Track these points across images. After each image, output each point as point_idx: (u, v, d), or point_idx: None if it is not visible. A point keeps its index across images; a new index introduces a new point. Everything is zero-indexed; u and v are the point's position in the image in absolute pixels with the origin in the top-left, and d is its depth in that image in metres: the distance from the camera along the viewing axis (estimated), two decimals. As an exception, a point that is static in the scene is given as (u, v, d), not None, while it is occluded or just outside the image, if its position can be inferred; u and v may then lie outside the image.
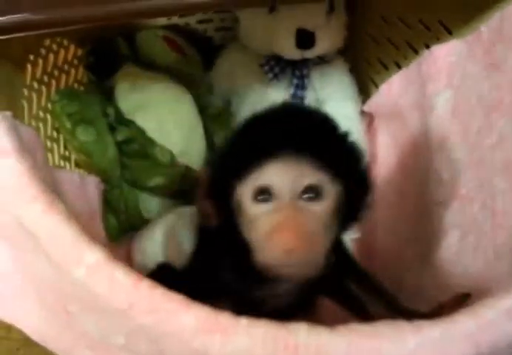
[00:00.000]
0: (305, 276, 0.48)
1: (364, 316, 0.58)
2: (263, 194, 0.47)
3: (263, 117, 0.51)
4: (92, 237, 0.68)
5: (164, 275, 0.65)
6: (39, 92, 0.69)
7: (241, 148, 0.50)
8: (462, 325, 0.33)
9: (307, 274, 0.47)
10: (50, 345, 0.46)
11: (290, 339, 0.32)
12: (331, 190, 0.47)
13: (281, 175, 0.46)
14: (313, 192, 0.47)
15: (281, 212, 0.46)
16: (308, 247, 0.44)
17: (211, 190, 0.52)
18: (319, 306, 0.76)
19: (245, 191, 0.48)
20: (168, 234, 0.71)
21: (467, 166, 0.61)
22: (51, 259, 0.37)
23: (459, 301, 0.49)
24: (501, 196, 0.54)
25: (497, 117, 0.58)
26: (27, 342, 0.46)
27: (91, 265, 0.35)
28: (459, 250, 0.58)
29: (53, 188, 0.51)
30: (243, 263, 0.49)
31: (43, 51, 0.72)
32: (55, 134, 0.73)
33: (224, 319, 0.32)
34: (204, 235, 0.60)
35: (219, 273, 0.55)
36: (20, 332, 0.46)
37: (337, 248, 0.56)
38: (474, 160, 0.60)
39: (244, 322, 0.32)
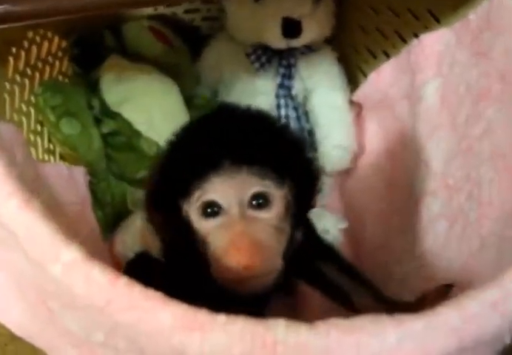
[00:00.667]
0: (263, 287, 0.47)
1: (348, 306, 0.57)
2: (211, 208, 0.46)
3: (198, 128, 0.51)
4: (85, 227, 0.69)
5: (142, 264, 0.65)
6: (22, 86, 0.68)
7: (179, 165, 0.49)
8: (446, 318, 0.32)
9: (265, 285, 0.46)
10: (34, 341, 0.46)
11: (268, 336, 0.31)
12: (279, 193, 0.47)
13: (225, 188, 0.46)
14: (260, 199, 0.46)
15: (232, 228, 0.45)
16: (264, 260, 0.44)
17: (157, 205, 0.51)
18: (303, 297, 0.77)
19: (191, 207, 0.47)
20: (146, 224, 0.69)
21: (455, 156, 0.60)
22: (28, 257, 0.36)
23: (442, 292, 0.49)
24: (487, 186, 0.54)
25: (485, 106, 0.57)
26: (15, 337, 0.46)
27: (67, 262, 0.34)
28: (445, 241, 0.58)
29: (34, 185, 0.51)
30: (202, 273, 0.48)
31: (26, 43, 0.70)
32: (38, 127, 0.72)
33: (202, 317, 0.31)
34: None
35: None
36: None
37: (307, 232, 0.56)
38: (462, 150, 0.59)
39: (222, 319, 0.31)
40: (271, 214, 0.47)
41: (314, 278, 0.61)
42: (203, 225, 0.47)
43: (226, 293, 0.49)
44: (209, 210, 0.47)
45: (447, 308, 0.33)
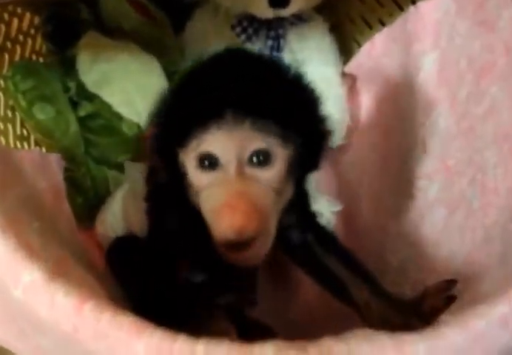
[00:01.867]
0: (258, 260, 0.45)
1: (345, 298, 0.54)
2: (208, 161, 0.44)
3: (204, 72, 0.47)
4: (61, 217, 0.66)
5: (124, 247, 0.63)
6: (-11, 69, 0.64)
7: (180, 111, 0.46)
8: (451, 340, 0.29)
9: (260, 258, 0.45)
10: (12, 349, 0.43)
11: (255, 366, 0.28)
12: (282, 152, 0.44)
13: (225, 141, 0.43)
14: (261, 157, 0.44)
15: (228, 186, 0.43)
16: (259, 224, 0.41)
17: (157, 150, 0.50)
18: (297, 286, 0.75)
19: (188, 158, 0.45)
20: (127, 201, 0.67)
21: (454, 136, 0.57)
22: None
23: (445, 288, 0.46)
24: (492, 171, 0.50)
25: (489, 83, 0.53)
26: None
27: (28, 285, 0.31)
28: (444, 229, 0.55)
29: (6, 175, 0.47)
30: (196, 227, 0.46)
31: (-8, 22, 0.65)
32: (9, 113, 0.68)
33: (178, 347, 0.28)
34: (157, 193, 0.57)
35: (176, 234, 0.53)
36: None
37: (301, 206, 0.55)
38: (463, 130, 0.56)
39: (201, 349, 0.28)
40: (271, 174, 0.44)
41: (308, 262, 0.58)
42: (198, 178, 0.45)
43: (217, 261, 0.47)
44: (205, 162, 0.44)
45: (451, 327, 0.30)
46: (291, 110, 0.45)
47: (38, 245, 0.36)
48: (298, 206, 0.55)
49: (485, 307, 0.31)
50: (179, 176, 0.47)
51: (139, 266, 0.55)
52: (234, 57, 0.49)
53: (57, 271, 0.33)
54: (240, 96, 0.43)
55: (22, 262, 0.32)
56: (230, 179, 0.43)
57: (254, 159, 0.44)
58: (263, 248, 0.44)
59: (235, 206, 0.41)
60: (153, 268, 0.53)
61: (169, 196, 0.53)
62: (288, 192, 0.47)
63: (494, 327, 0.30)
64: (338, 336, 0.32)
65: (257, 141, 0.43)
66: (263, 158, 0.44)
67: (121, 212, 0.68)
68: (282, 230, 0.51)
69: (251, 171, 0.44)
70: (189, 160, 0.45)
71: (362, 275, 0.53)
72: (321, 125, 0.49)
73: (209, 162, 0.44)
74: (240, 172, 0.43)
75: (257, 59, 0.50)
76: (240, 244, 0.42)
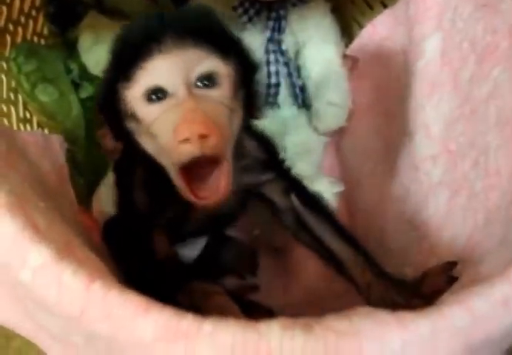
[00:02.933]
0: (220, 196, 0.45)
1: (344, 274, 0.55)
2: (156, 93, 0.44)
3: (140, 19, 0.49)
4: (65, 199, 0.66)
5: (116, 227, 0.62)
6: (-9, 51, 0.63)
7: (120, 48, 0.47)
8: (453, 319, 0.30)
9: (222, 194, 0.45)
10: (17, 330, 0.44)
11: (261, 343, 0.28)
12: (225, 71, 0.46)
13: (169, 68, 0.44)
14: (207, 79, 0.45)
15: (181, 106, 0.43)
16: (216, 132, 0.42)
17: (104, 108, 0.50)
18: (296, 260, 0.76)
19: (135, 94, 0.45)
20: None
21: (457, 119, 0.56)
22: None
23: (445, 270, 0.47)
24: (494, 153, 0.50)
25: (491, 66, 0.53)
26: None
27: (36, 267, 0.31)
28: (448, 211, 0.55)
29: (11, 157, 0.47)
30: (160, 184, 0.48)
31: (-6, 4, 0.65)
32: (12, 96, 0.67)
33: (186, 325, 0.29)
34: (120, 174, 0.59)
35: (146, 201, 0.54)
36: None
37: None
38: (466, 113, 0.55)
39: (208, 327, 0.28)
40: (220, 93, 0.45)
41: (300, 231, 0.59)
42: (149, 112, 0.45)
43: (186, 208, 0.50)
44: (153, 96, 0.44)
45: (454, 307, 0.30)
46: (223, 35, 0.48)
47: (44, 225, 0.36)
48: (269, 162, 0.58)
49: (486, 287, 0.31)
50: (128, 132, 0.48)
51: (125, 244, 0.56)
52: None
53: (63, 251, 0.33)
54: (177, 21, 0.45)
55: (30, 241, 0.32)
56: (181, 101, 0.44)
57: (201, 83, 0.45)
58: (222, 178, 0.45)
59: (192, 119, 0.42)
60: (133, 244, 0.54)
61: (128, 165, 0.55)
62: (239, 114, 0.48)
63: (495, 307, 0.30)
64: (341, 314, 0.32)
65: (201, 63, 0.45)
66: (209, 81, 0.45)
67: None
68: (259, 187, 0.57)
69: (199, 92, 0.45)
70: (135, 97, 0.45)
71: (361, 253, 0.53)
72: (246, 53, 0.51)
73: (157, 94, 0.44)
74: (190, 94, 0.44)
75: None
76: (202, 163, 0.43)
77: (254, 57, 0.52)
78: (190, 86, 0.44)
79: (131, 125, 0.48)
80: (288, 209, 0.58)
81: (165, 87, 0.44)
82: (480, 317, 0.30)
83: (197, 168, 0.45)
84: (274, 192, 0.58)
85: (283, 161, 0.60)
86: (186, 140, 0.41)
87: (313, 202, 0.59)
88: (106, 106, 0.49)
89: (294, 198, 0.58)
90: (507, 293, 0.30)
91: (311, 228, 0.57)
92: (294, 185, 0.60)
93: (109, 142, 0.52)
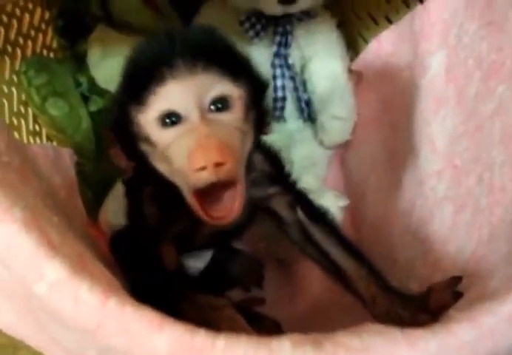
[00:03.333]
0: (233, 216, 0.46)
1: (350, 289, 0.55)
2: (170, 118, 0.45)
3: (150, 41, 0.49)
4: (74, 212, 0.67)
5: (123, 239, 0.62)
6: (2, 65, 0.64)
7: (132, 72, 0.48)
8: (460, 336, 0.30)
9: (235, 214, 0.46)
10: (28, 342, 0.44)
11: (273, 360, 0.29)
12: (237, 94, 0.47)
13: (183, 94, 0.44)
14: (221, 103, 0.46)
15: (195, 132, 0.44)
16: (233, 159, 0.43)
17: (117, 130, 0.50)
18: (302, 273, 0.76)
19: (149, 118, 0.46)
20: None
21: (462, 135, 0.57)
22: (11, 271, 0.33)
23: (451, 285, 0.47)
24: (499, 169, 0.51)
25: (496, 83, 0.54)
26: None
27: (52, 281, 0.32)
28: (452, 226, 0.55)
29: (23, 170, 0.47)
30: (171, 198, 0.49)
31: (4, 18, 0.66)
32: (22, 109, 0.68)
33: (200, 342, 0.29)
34: (131, 189, 0.59)
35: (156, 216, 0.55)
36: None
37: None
38: (470, 129, 0.56)
39: (221, 343, 0.29)
40: (233, 117, 0.46)
41: (306, 245, 0.59)
42: (162, 137, 0.46)
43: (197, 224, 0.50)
44: (167, 120, 0.45)
45: (461, 324, 0.31)
46: (235, 56, 0.49)
47: (58, 240, 0.37)
48: (276, 176, 0.59)
49: (494, 304, 0.32)
50: (139, 141, 0.48)
51: (133, 256, 0.56)
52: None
53: (78, 266, 0.34)
54: (187, 45, 0.46)
55: (45, 257, 0.32)
56: (195, 126, 0.44)
57: (214, 106, 0.46)
58: (236, 199, 0.46)
59: (207, 146, 0.42)
60: (141, 256, 0.54)
61: (139, 180, 0.55)
62: (250, 135, 0.49)
63: (503, 324, 0.31)
64: (351, 330, 0.33)
65: (214, 87, 0.45)
66: (221, 104, 0.46)
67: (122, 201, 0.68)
68: (265, 201, 0.58)
69: (213, 116, 0.45)
70: (149, 121, 0.46)
71: (366, 266, 0.54)
72: (257, 74, 0.52)
73: (171, 119, 0.45)
74: (204, 118, 0.44)
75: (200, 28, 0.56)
76: (216, 187, 0.44)
77: (263, 76, 0.53)
78: (203, 111, 0.45)
79: (144, 147, 0.48)
80: (294, 223, 0.59)
81: (179, 112, 0.45)
82: (488, 334, 0.30)
83: (211, 191, 0.45)
84: (281, 206, 0.59)
85: (289, 174, 0.61)
86: (202, 168, 0.42)
87: (319, 215, 0.59)
88: (119, 128, 0.50)
89: (299, 212, 0.59)
90: (514, 310, 0.31)
91: (317, 241, 0.57)
92: (300, 198, 0.60)
93: (121, 161, 0.52)
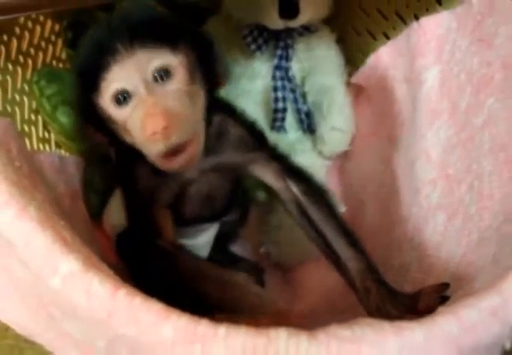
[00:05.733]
0: (194, 156, 0.52)
1: (345, 278, 0.57)
2: (121, 96, 0.50)
3: (92, 32, 0.54)
4: (78, 219, 0.69)
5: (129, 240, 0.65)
6: (14, 74, 0.67)
7: (82, 65, 0.53)
8: (445, 327, 0.33)
9: (195, 154, 0.51)
10: (38, 340, 0.46)
11: (270, 347, 0.31)
12: (178, 63, 0.51)
13: (127, 73, 0.49)
14: (163, 73, 0.50)
15: (143, 103, 0.48)
16: (180, 122, 0.48)
17: (87, 116, 0.55)
18: (301, 273, 0.79)
19: (106, 101, 0.51)
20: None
21: (455, 146, 0.59)
22: (27, 266, 0.36)
23: (439, 290, 0.49)
24: (488, 178, 0.53)
25: (486, 96, 0.56)
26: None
27: (66, 275, 0.34)
28: (444, 232, 0.58)
29: (32, 177, 0.50)
30: (147, 168, 0.55)
31: (17, 29, 0.69)
32: (32, 116, 0.71)
33: (203, 329, 0.32)
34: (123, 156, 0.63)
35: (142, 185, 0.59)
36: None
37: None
38: (463, 140, 0.59)
39: (222, 331, 0.32)
40: (177, 82, 0.50)
41: (308, 227, 0.61)
42: (120, 114, 0.51)
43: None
44: (120, 98, 0.50)
45: (446, 316, 0.33)
46: (166, 24, 0.53)
47: (70, 238, 0.39)
48: (253, 141, 0.62)
49: (477, 299, 0.34)
50: (105, 122, 0.53)
51: (138, 254, 0.59)
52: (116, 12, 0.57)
53: (89, 262, 0.36)
54: (123, 28, 0.50)
55: (60, 252, 0.35)
56: (143, 99, 0.49)
57: (157, 77, 0.50)
58: (194, 151, 0.51)
59: (153, 114, 0.47)
60: (146, 254, 0.57)
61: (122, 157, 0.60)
62: (201, 93, 0.53)
63: (485, 317, 0.33)
64: (343, 324, 0.35)
65: (153, 59, 0.49)
66: (164, 74, 0.50)
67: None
68: (247, 167, 0.61)
69: (158, 87, 0.50)
70: (105, 103, 0.51)
71: (365, 260, 0.56)
72: (200, 33, 0.57)
73: (122, 96, 0.50)
74: (150, 91, 0.49)
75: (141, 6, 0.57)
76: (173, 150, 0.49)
77: (205, 34, 0.58)
78: (148, 84, 0.49)
79: (111, 126, 0.53)
80: (290, 199, 0.61)
81: (127, 89, 0.49)
82: (470, 326, 0.33)
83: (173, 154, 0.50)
84: (267, 175, 0.61)
85: (273, 146, 0.64)
86: (154, 135, 0.47)
87: (315, 192, 0.61)
88: (87, 113, 0.54)
89: (293, 186, 0.61)
90: (496, 304, 0.33)
91: (315, 221, 0.59)
92: (291, 170, 0.62)
93: (97, 138, 0.57)
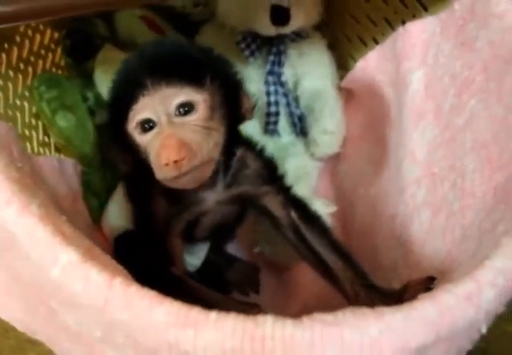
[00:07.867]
0: (200, 180, 0.55)
1: (335, 286, 0.60)
2: (145, 124, 0.55)
3: (124, 66, 0.59)
4: (79, 220, 0.71)
5: (127, 243, 0.69)
6: (15, 80, 0.69)
7: (114, 92, 0.59)
8: (423, 311, 0.35)
9: (201, 178, 0.55)
10: (37, 336, 0.48)
11: (257, 331, 0.33)
12: (201, 99, 0.55)
13: (153, 104, 0.54)
14: (185, 108, 0.54)
15: (161, 134, 0.53)
16: (192, 154, 0.51)
17: (113, 138, 0.61)
18: (296, 276, 0.81)
19: (132, 127, 0.56)
20: None
21: (439, 145, 0.62)
22: (31, 258, 0.38)
23: (425, 282, 0.51)
24: (470, 176, 0.55)
25: (468, 97, 0.58)
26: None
27: (65, 265, 0.36)
28: (429, 229, 0.60)
29: (33, 179, 0.52)
30: (161, 191, 0.60)
31: (17, 37, 0.71)
32: (33, 121, 0.73)
33: (194, 314, 0.34)
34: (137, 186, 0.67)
35: (155, 209, 0.63)
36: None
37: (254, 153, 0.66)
38: (446, 139, 0.61)
39: (213, 316, 0.33)
40: (196, 117, 0.54)
41: (300, 245, 0.64)
42: (143, 140, 0.56)
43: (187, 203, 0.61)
44: (145, 126, 0.55)
45: (424, 301, 0.35)
46: (195, 63, 0.57)
47: (70, 233, 0.41)
48: (269, 176, 0.65)
49: (453, 285, 0.36)
50: (130, 146, 0.58)
51: (137, 259, 0.60)
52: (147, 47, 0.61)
53: (88, 254, 0.38)
54: (153, 65, 0.55)
55: (60, 244, 0.37)
56: (163, 129, 0.54)
57: (180, 110, 0.54)
58: (202, 175, 0.55)
59: (168, 145, 0.51)
60: (146, 258, 0.60)
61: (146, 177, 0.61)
62: (220, 129, 0.57)
63: (460, 301, 0.35)
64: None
65: (177, 95, 0.54)
66: (186, 108, 0.54)
67: (124, 207, 0.73)
68: (259, 198, 0.64)
69: (179, 120, 0.54)
70: (133, 130, 0.56)
71: (352, 266, 0.59)
72: (228, 70, 0.62)
73: (147, 125, 0.55)
74: (170, 122, 0.54)
75: (171, 42, 0.65)
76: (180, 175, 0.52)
77: (234, 72, 0.62)
78: (170, 116, 0.54)
79: (136, 149, 0.57)
80: (289, 223, 0.64)
81: (152, 119, 0.54)
82: (446, 310, 0.35)
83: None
84: (274, 205, 0.65)
85: (282, 177, 0.67)
86: (166, 165, 0.51)
87: (312, 218, 0.65)
88: (116, 138, 0.60)
89: (293, 213, 0.64)
90: (471, 289, 0.35)
91: (309, 242, 0.62)
92: (294, 200, 0.66)
93: (120, 160, 0.63)
